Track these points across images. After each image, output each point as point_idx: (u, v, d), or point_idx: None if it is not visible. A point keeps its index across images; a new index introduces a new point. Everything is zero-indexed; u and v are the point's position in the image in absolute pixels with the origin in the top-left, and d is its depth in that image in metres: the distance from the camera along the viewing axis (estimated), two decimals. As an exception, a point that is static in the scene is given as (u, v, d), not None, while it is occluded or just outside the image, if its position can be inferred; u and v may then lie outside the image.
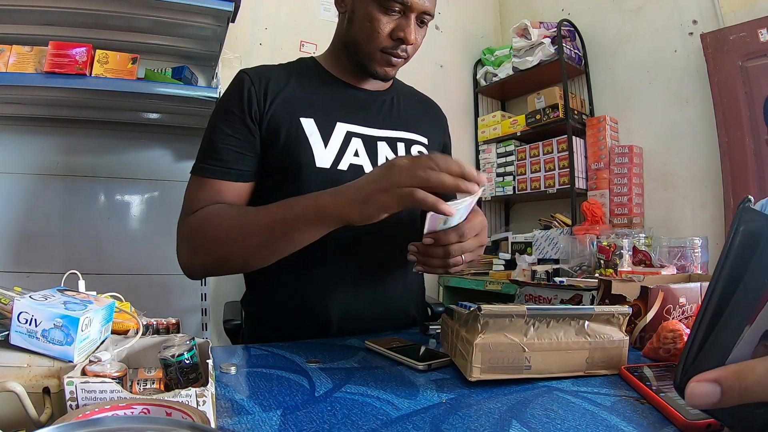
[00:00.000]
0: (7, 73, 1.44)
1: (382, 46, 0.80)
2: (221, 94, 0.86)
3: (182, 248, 0.77)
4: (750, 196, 0.28)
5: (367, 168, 0.84)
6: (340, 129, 0.84)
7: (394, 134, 0.90)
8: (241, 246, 0.71)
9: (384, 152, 0.87)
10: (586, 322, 0.54)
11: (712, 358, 0.27)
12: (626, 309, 0.55)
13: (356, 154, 0.84)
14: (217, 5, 1.56)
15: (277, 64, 0.89)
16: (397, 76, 0.94)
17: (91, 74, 1.49)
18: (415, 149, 0.92)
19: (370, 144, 0.86)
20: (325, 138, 0.82)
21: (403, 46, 0.80)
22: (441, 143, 1.00)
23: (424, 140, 0.94)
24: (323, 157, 0.81)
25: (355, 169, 0.83)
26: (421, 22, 0.81)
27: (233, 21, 1.66)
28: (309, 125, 0.81)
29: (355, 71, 0.88)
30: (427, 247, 0.69)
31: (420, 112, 0.99)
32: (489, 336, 0.51)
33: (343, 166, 0.82)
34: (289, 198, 0.69)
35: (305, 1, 2.38)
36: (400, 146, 0.90)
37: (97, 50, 1.52)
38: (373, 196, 0.61)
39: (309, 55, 0.95)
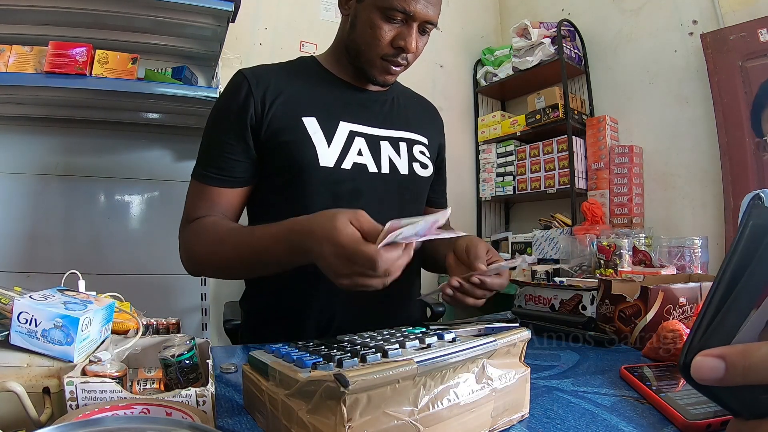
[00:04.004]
0: (7, 73, 1.44)
1: (383, 54, 0.80)
2: (219, 94, 0.86)
3: (182, 253, 0.82)
4: (761, 194, 0.29)
5: (371, 167, 0.84)
6: (343, 128, 0.84)
7: (396, 134, 0.90)
8: (230, 270, 0.81)
9: (387, 151, 0.87)
10: (487, 363, 0.42)
11: (717, 339, 0.27)
12: (526, 333, 0.45)
13: (360, 153, 0.84)
14: (217, 5, 1.56)
15: (276, 63, 0.89)
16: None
17: (91, 74, 1.49)
18: (416, 149, 0.92)
19: (374, 143, 0.86)
20: (329, 137, 0.82)
21: (404, 54, 0.80)
22: (438, 144, 1.01)
23: (425, 140, 0.95)
24: (327, 155, 0.81)
25: (359, 168, 0.83)
26: (423, 31, 0.81)
27: (233, 21, 1.66)
28: (311, 124, 0.81)
29: (355, 73, 0.88)
30: (473, 286, 0.69)
31: (419, 113, 0.99)
32: (362, 422, 0.33)
33: (347, 165, 0.82)
34: (269, 229, 0.68)
35: (305, 1, 2.38)
36: (403, 146, 0.90)
37: (97, 50, 1.52)
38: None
39: (309, 55, 0.95)
